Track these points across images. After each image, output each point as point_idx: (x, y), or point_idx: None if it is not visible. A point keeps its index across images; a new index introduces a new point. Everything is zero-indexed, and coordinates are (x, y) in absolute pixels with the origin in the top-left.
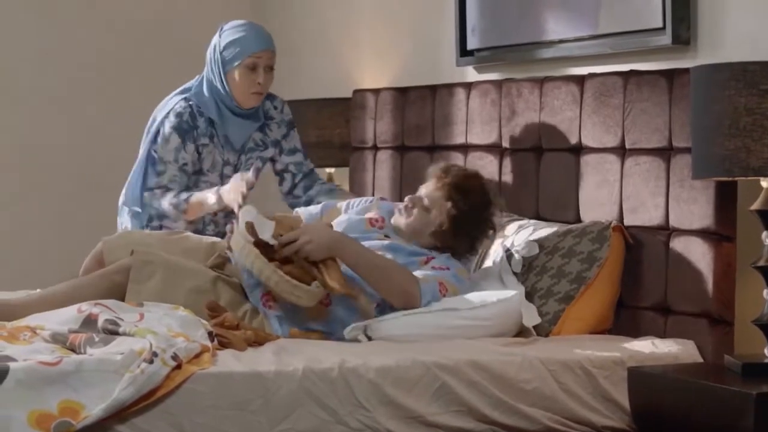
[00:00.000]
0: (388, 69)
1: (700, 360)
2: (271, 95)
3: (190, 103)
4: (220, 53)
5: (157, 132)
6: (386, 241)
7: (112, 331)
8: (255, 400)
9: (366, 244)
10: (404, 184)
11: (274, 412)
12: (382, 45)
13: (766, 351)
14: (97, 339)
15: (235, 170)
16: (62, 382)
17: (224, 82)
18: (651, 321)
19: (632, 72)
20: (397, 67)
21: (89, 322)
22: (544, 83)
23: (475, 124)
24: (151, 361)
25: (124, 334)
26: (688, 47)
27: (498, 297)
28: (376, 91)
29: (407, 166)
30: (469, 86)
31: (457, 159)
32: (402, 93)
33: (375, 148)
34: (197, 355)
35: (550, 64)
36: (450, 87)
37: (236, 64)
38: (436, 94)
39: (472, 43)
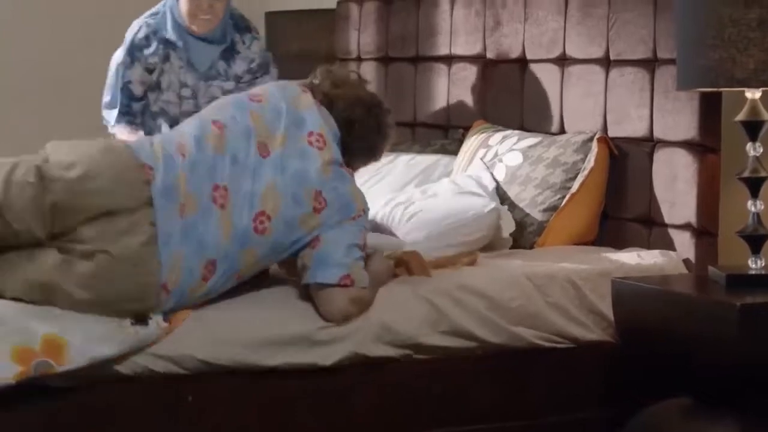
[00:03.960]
0: None
1: (685, 271)
2: (246, 29)
3: (149, 23)
4: None
5: None
6: None
7: None
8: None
9: None
10: (388, 96)
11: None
12: None
13: (749, 262)
14: None
15: (193, 94)
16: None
17: (177, 7)
18: (635, 232)
19: None
20: None
21: None
22: None
23: (460, 35)
24: (146, 323)
25: None
26: None
27: (474, 212)
28: (360, 2)
29: (391, 77)
30: None
31: (441, 70)
32: (386, 4)
33: (359, 59)
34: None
35: None
36: None
37: None
38: (421, 5)
39: None
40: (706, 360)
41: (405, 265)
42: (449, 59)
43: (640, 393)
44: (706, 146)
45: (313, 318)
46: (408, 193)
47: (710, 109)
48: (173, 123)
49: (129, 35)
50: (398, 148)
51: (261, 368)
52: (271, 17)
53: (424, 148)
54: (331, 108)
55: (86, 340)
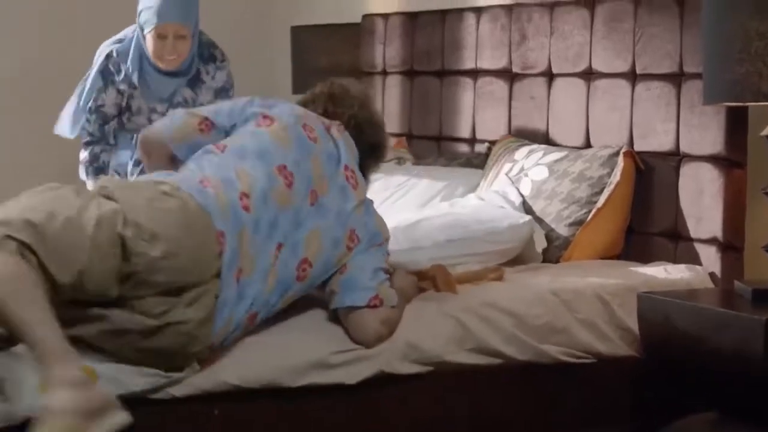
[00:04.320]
0: None
1: (711, 286)
2: (210, 58)
3: (118, 50)
4: (139, 14)
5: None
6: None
7: None
8: None
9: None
10: (413, 109)
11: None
12: None
13: None
14: None
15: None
16: None
17: (144, 42)
18: (661, 247)
19: None
20: None
21: None
22: (555, 8)
23: (485, 49)
24: (182, 370)
25: None
26: None
27: (510, 222)
28: (386, 16)
29: (417, 90)
30: (479, 11)
31: (467, 84)
32: (411, 18)
33: (384, 73)
34: None
35: None
36: (460, 12)
37: (147, 30)
38: (446, 19)
39: None
40: (732, 374)
41: (431, 279)
42: (475, 73)
43: (665, 408)
44: (732, 161)
45: (339, 339)
46: (435, 207)
47: (736, 124)
48: None
49: (99, 60)
50: (423, 161)
51: (288, 388)
52: (297, 31)
53: (450, 162)
54: (355, 130)
55: (117, 373)
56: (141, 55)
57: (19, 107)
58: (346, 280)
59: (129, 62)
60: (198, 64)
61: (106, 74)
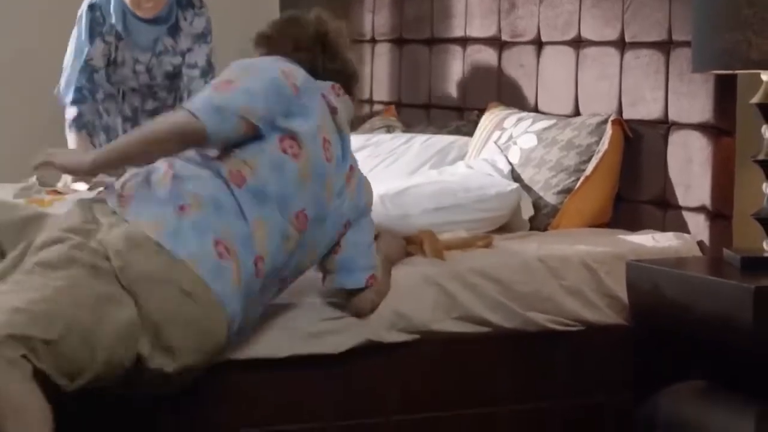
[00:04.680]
0: None
1: (699, 254)
2: (188, 4)
3: (100, 3)
4: None
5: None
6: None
7: None
8: None
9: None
10: (403, 77)
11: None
12: None
13: (764, 245)
14: None
15: (147, 69)
16: None
17: None
18: (649, 215)
19: None
20: None
21: None
22: None
23: (475, 16)
24: None
25: None
26: None
27: (497, 190)
28: None
29: (406, 58)
30: None
31: (456, 52)
32: None
33: (373, 41)
34: None
35: None
36: None
37: None
38: None
39: None
40: (721, 343)
41: (419, 244)
42: (464, 41)
43: (654, 376)
44: (721, 129)
45: (326, 309)
46: (424, 175)
47: (725, 92)
48: (131, 93)
49: (83, 15)
50: (413, 129)
51: (276, 359)
52: (203, 18)
53: (439, 129)
54: (348, 93)
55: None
56: (122, 5)
57: (18, 98)
58: (343, 260)
59: (112, 12)
60: (176, 11)
61: (93, 26)
